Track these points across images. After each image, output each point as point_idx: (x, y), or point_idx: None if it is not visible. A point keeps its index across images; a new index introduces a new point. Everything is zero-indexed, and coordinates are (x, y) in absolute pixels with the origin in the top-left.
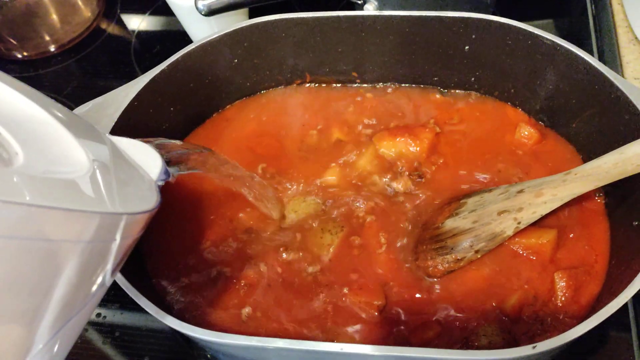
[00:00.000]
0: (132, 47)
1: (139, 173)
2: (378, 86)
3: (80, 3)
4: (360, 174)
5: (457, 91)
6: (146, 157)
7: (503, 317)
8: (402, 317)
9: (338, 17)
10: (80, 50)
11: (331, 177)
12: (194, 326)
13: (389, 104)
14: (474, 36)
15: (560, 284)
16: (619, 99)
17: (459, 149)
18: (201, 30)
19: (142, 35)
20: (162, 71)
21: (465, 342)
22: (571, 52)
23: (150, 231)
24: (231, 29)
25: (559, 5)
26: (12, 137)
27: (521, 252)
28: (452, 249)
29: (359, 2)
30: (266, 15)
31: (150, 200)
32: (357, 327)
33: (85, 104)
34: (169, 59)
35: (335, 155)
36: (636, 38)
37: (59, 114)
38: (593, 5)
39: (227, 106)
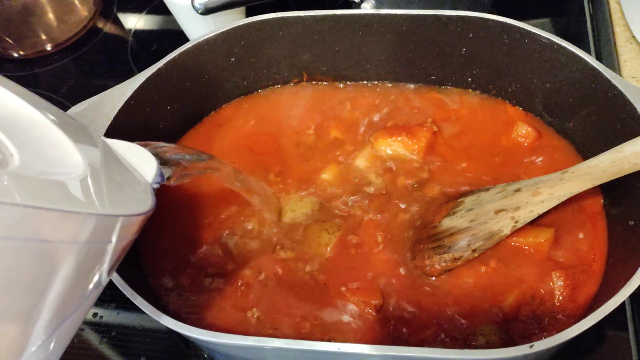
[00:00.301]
0: (128, 46)
1: (134, 176)
2: (375, 85)
3: (76, 2)
4: (357, 173)
5: (454, 90)
6: (141, 160)
7: (500, 316)
8: (400, 316)
9: (335, 15)
10: (77, 49)
11: (328, 176)
12: (190, 326)
13: (386, 103)
14: (471, 35)
15: (558, 283)
16: (616, 98)
17: (457, 148)
18: (198, 29)
19: (138, 34)
20: (159, 70)
21: (463, 342)
22: (568, 51)
23: (147, 231)
24: (228, 28)
25: (556, 4)
26: (8, 139)
27: (518, 251)
28: (449, 248)
29: (356, 0)
30: (263, 14)
31: (145, 203)
32: (355, 326)
33: (81, 102)
34: (165, 58)
35: (332, 154)
36: (633, 37)
37: (54, 116)
38: (590, 4)
39: (224, 105)
